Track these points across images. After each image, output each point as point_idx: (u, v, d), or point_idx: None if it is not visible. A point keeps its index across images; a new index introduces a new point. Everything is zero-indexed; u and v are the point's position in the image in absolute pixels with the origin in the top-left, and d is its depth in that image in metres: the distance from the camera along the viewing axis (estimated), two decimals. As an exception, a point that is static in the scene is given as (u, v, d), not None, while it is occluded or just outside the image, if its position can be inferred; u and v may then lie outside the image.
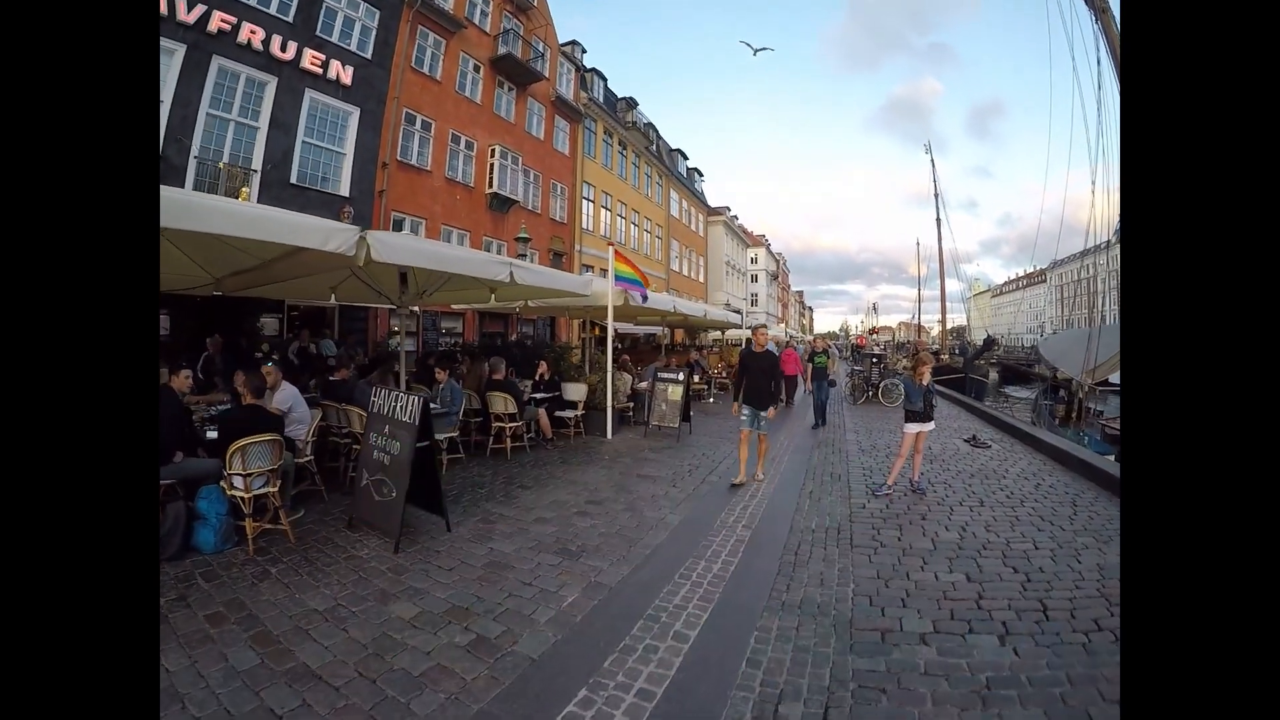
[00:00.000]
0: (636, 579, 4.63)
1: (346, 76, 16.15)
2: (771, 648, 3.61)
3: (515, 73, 22.77)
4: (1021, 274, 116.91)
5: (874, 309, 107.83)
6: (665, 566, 4.86)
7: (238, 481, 5.25)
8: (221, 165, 13.43)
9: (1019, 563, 4.90)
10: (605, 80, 31.12)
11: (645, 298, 11.89)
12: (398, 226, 17.73)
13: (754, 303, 64.54)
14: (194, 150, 13.03)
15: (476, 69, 21.38)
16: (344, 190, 16.33)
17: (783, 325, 68.60)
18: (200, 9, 12.97)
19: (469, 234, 20.62)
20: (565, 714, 2.99)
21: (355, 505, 5.90)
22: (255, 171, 14.23)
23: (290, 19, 14.92)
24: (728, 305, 41.95)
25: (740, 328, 20.20)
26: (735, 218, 58.83)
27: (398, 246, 6.13)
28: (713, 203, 52.73)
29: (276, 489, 5.51)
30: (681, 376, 11.47)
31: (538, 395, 10.64)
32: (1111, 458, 9.41)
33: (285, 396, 6.65)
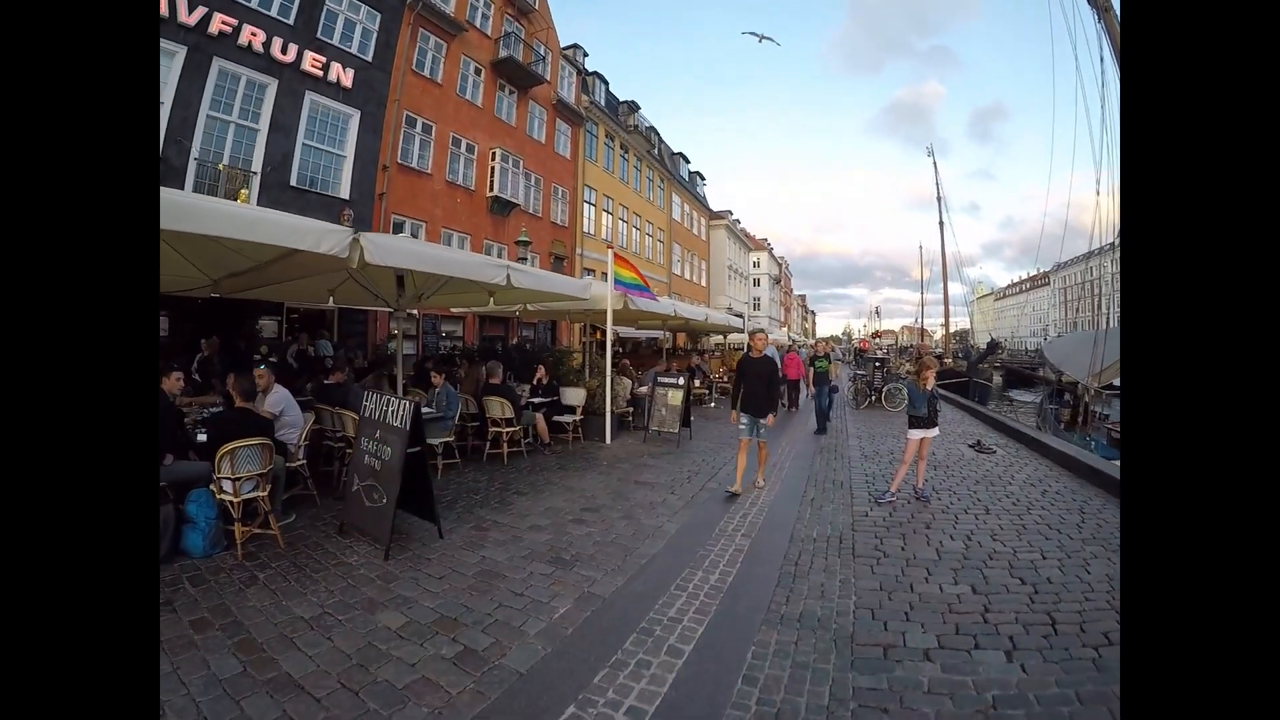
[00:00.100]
0: (631, 590, 4.50)
1: (347, 79, 16.09)
2: (769, 663, 3.47)
3: (516, 76, 22.71)
4: (1025, 277, 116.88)
5: (877, 312, 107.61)
6: (661, 577, 4.72)
7: (226, 485, 5.19)
8: (221, 167, 13.37)
9: (1026, 573, 4.75)
10: (607, 84, 31.08)
11: (653, 296, 11.79)
12: (398, 229, 17.64)
13: (756, 307, 64.47)
14: (194, 152, 12.98)
15: (478, 72, 21.32)
16: (344, 193, 16.26)
17: (785, 329, 68.51)
18: (201, 11, 12.94)
19: (470, 237, 20.53)
20: (552, 733, 2.87)
21: (346, 511, 5.82)
22: (255, 174, 14.17)
23: (291, 21, 14.87)
24: (730, 309, 41.80)
25: (742, 332, 20.08)
26: (738, 221, 58.77)
27: (392, 249, 6.05)
28: (715, 207, 52.68)
29: (266, 493, 5.43)
30: (681, 381, 11.32)
31: (535, 400, 10.52)
32: (1118, 462, 9.27)
33: (277, 399, 6.55)
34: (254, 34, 13.90)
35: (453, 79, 20.16)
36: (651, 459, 9.49)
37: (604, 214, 30.21)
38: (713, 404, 17.87)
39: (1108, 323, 23.10)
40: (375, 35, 17.13)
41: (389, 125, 17.50)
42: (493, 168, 21.46)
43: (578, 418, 10.88)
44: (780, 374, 17.44)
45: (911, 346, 51.78)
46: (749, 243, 64.43)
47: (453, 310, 16.93)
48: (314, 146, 15.69)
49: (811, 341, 33.25)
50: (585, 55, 29.00)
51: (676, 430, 10.95)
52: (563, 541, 5.54)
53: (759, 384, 7.26)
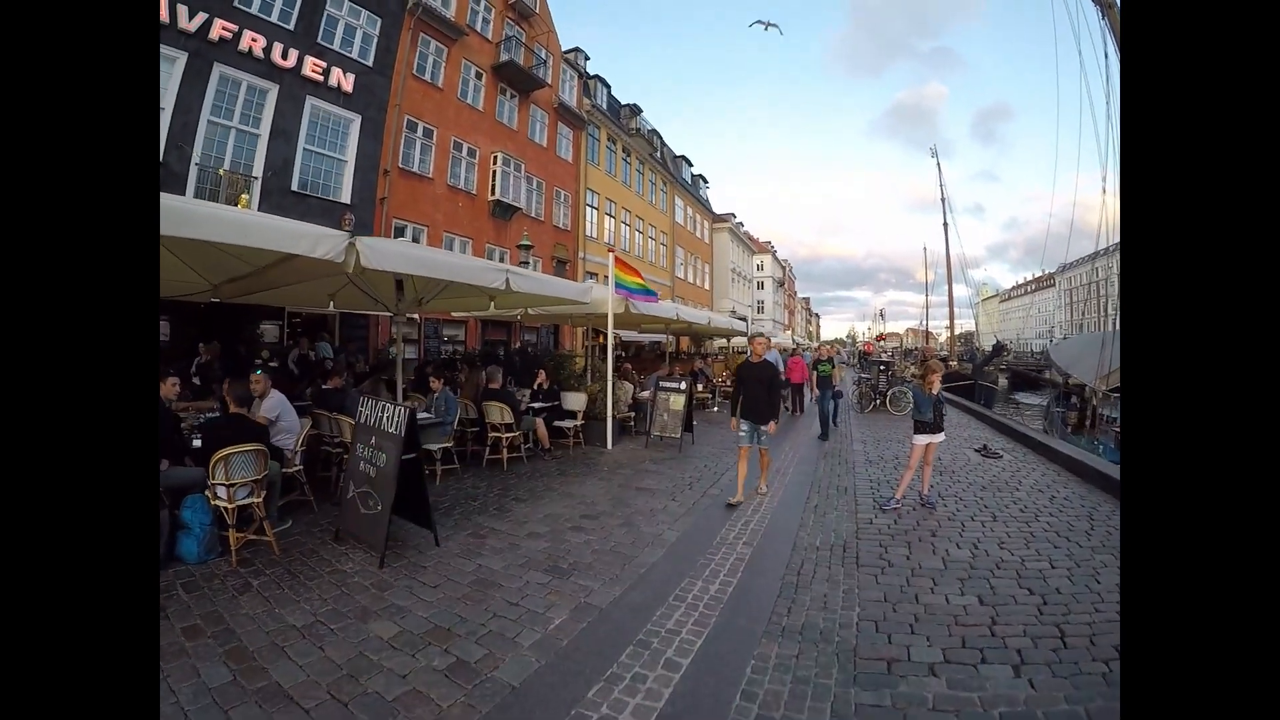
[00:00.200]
0: (628, 600, 4.40)
1: (348, 84, 16.08)
2: (769, 678, 3.36)
3: (517, 80, 22.69)
4: (1030, 278, 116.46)
5: (881, 315, 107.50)
6: (660, 587, 4.62)
7: (221, 492, 5.14)
8: (221, 172, 13.35)
9: (1035, 583, 4.63)
10: (609, 87, 31.06)
11: (654, 298, 11.70)
12: (399, 234, 17.62)
13: (760, 310, 64.39)
14: (195, 157, 12.98)
15: (478, 76, 21.30)
16: (345, 197, 16.24)
17: (789, 332, 68.34)
18: (201, 17, 12.95)
19: (471, 241, 20.50)
20: (543, 750, 2.78)
21: (342, 517, 5.75)
22: (256, 179, 14.15)
23: (291, 27, 14.88)
24: (733, 313, 41.74)
25: (745, 335, 19.98)
26: (741, 224, 58.71)
27: (388, 253, 6.00)
28: (718, 209, 52.64)
29: (261, 500, 5.38)
30: (684, 386, 11.19)
31: (536, 405, 10.43)
32: None
33: (272, 405, 6.47)
34: (254, 40, 13.90)
35: (454, 83, 20.14)
36: (653, 465, 9.38)
37: (606, 217, 30.16)
38: (715, 408, 17.76)
39: (1114, 324, 22.98)
40: (376, 40, 17.12)
41: (390, 130, 17.48)
42: (494, 172, 21.44)
43: (579, 423, 10.78)
44: (784, 378, 17.35)
45: (916, 349, 51.60)
46: (752, 245, 64.35)
47: (454, 315, 16.88)
48: (315, 151, 15.68)
49: (815, 345, 33.08)
50: (587, 59, 28.98)
51: (679, 435, 10.84)
52: (561, 550, 5.45)
53: (759, 389, 7.12)
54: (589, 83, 28.85)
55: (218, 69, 13.34)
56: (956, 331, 49.38)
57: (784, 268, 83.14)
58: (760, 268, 67.24)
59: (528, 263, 18.69)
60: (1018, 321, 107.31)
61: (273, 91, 14.48)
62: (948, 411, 7.37)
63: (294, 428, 6.62)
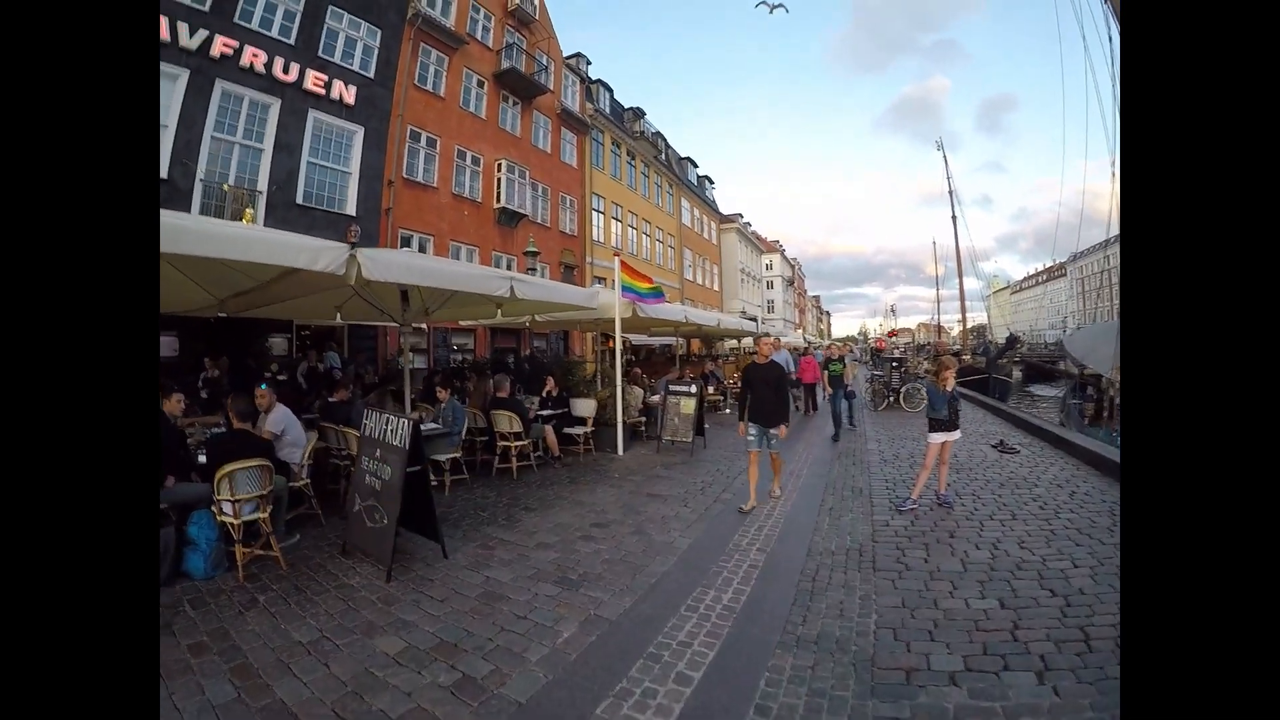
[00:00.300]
0: (639, 612, 4.29)
1: (350, 96, 16.10)
2: (784, 691, 3.25)
3: (519, 86, 22.67)
4: (1041, 269, 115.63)
5: (892, 311, 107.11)
6: (671, 597, 4.52)
7: (226, 507, 5.12)
8: (226, 187, 13.37)
9: (1057, 584, 4.49)
10: (611, 91, 31.02)
11: (662, 296, 11.61)
12: (405, 244, 17.63)
13: (771, 309, 64.12)
14: (199, 173, 12.99)
15: (480, 84, 21.30)
16: (350, 209, 16.25)
17: (800, 331, 68.06)
18: (202, 34, 12.99)
19: (478, 249, 20.46)
20: (550, 771, 2.69)
21: (349, 531, 5.70)
22: (261, 193, 14.16)
23: (292, 41, 14.91)
24: (743, 313, 41.58)
25: (762, 335, 19.87)
26: (748, 224, 58.53)
27: (390, 264, 5.97)
28: (725, 210, 52.50)
29: (267, 515, 5.33)
30: (694, 389, 11.09)
31: (544, 412, 10.34)
32: None
33: (278, 419, 6.43)
34: (255, 55, 13.93)
35: (455, 92, 20.14)
36: (664, 470, 9.28)
37: (613, 221, 30.10)
38: (727, 410, 17.63)
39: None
40: (376, 52, 17.14)
41: (393, 140, 17.49)
42: (499, 179, 21.41)
43: (589, 429, 10.68)
44: (794, 378, 17.19)
45: (929, 344, 51.32)
46: (761, 245, 64.12)
47: (462, 323, 16.82)
48: (319, 164, 15.68)
49: (826, 343, 32.95)
50: (588, 64, 28.97)
51: (690, 439, 10.74)
52: (570, 560, 5.36)
53: (767, 391, 6.96)
54: (591, 87, 28.82)
55: (220, 85, 13.37)
56: (969, 324, 49.12)
57: (793, 266, 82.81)
58: (769, 267, 66.96)
59: (535, 269, 18.65)
60: (1030, 313, 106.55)
61: (275, 106, 14.50)
62: (962, 407, 7.20)
63: (300, 441, 6.58)
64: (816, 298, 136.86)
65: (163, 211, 4.09)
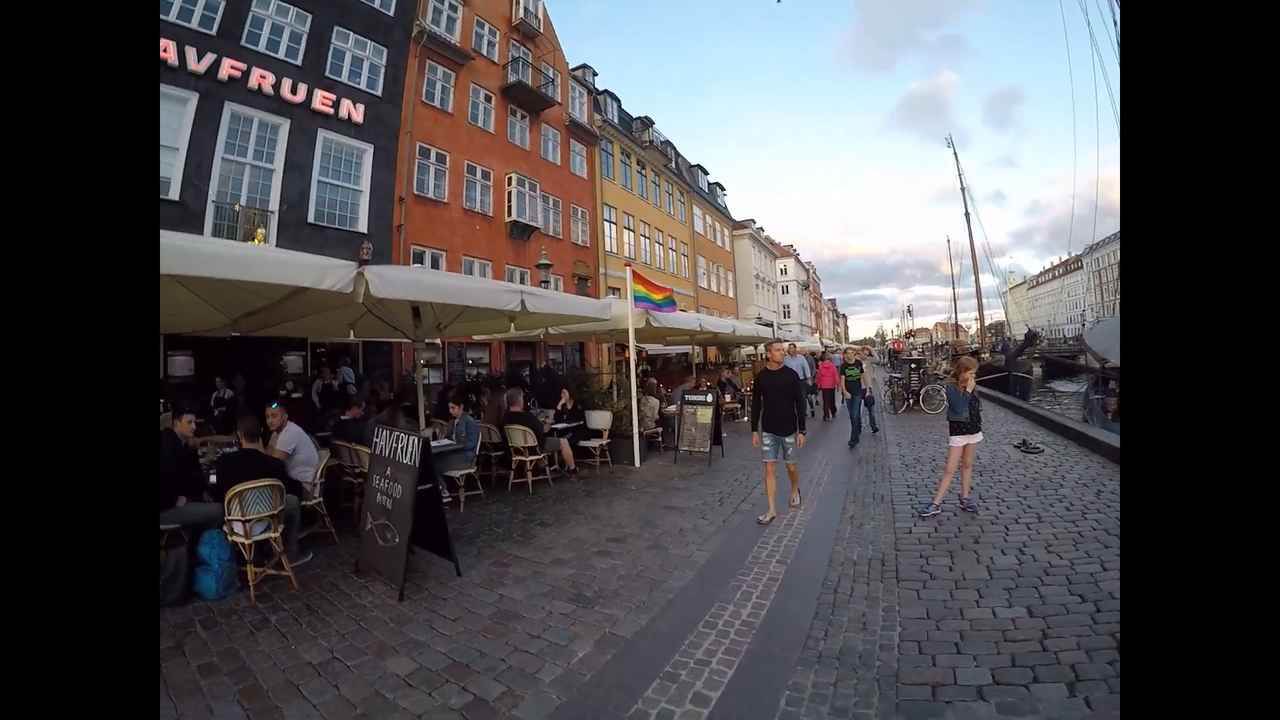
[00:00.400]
0: (655, 629, 4.18)
1: (358, 114, 16.18)
2: (805, 710, 3.13)
3: (527, 100, 22.72)
4: (1057, 262, 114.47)
5: (909, 311, 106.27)
6: (689, 613, 4.40)
7: (238, 527, 5.10)
8: (237, 208, 13.45)
9: (1086, 589, 4.34)
10: (619, 101, 31.06)
11: (673, 302, 11.52)
12: (418, 260, 17.67)
13: (786, 314, 63.89)
14: (211, 195, 13.09)
15: (488, 99, 21.37)
16: (362, 227, 16.30)
17: (817, 335, 67.73)
18: (210, 58, 13.13)
19: (491, 263, 20.48)
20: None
21: (361, 550, 5.66)
22: (273, 213, 14.25)
23: (299, 62, 15.03)
24: (759, 319, 41.41)
25: (774, 341, 19.73)
26: (761, 230, 58.38)
27: (398, 280, 5.95)
28: (737, 216, 52.40)
29: (279, 534, 5.31)
30: (710, 398, 10.97)
31: (559, 425, 10.26)
32: None
33: (289, 438, 6.40)
34: (263, 77, 14.05)
35: (463, 107, 20.21)
36: (682, 481, 9.16)
37: (625, 231, 30.07)
38: (745, 418, 17.49)
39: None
40: (383, 70, 17.24)
41: (403, 157, 17.54)
42: (509, 193, 21.43)
43: (604, 441, 10.58)
44: (811, 383, 17.00)
45: (947, 344, 50.88)
46: (774, 250, 63.93)
47: (476, 338, 16.81)
48: (329, 183, 15.76)
49: (843, 348, 32.65)
50: (595, 75, 29.03)
51: (708, 449, 10.59)
52: (585, 576, 5.26)
53: (780, 398, 6.77)
54: (599, 98, 28.88)
55: (229, 107, 13.48)
56: (987, 322, 48.65)
57: (808, 270, 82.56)
58: (784, 272, 66.76)
59: (548, 281, 18.61)
60: (1048, 308, 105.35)
61: (284, 126, 14.60)
62: (983, 407, 7.03)
63: (312, 460, 6.53)
64: (832, 301, 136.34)
65: (171, 234, 4.17)
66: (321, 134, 15.45)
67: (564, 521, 7.06)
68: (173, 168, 12.40)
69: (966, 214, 41.23)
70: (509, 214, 21.38)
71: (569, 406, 11.02)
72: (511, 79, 21.86)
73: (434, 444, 7.76)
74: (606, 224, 28.20)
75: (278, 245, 13.53)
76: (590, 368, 22.90)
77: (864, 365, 12.82)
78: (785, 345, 7.33)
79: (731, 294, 47.15)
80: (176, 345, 12.41)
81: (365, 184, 16.54)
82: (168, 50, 12.32)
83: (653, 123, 34.46)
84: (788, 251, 69.52)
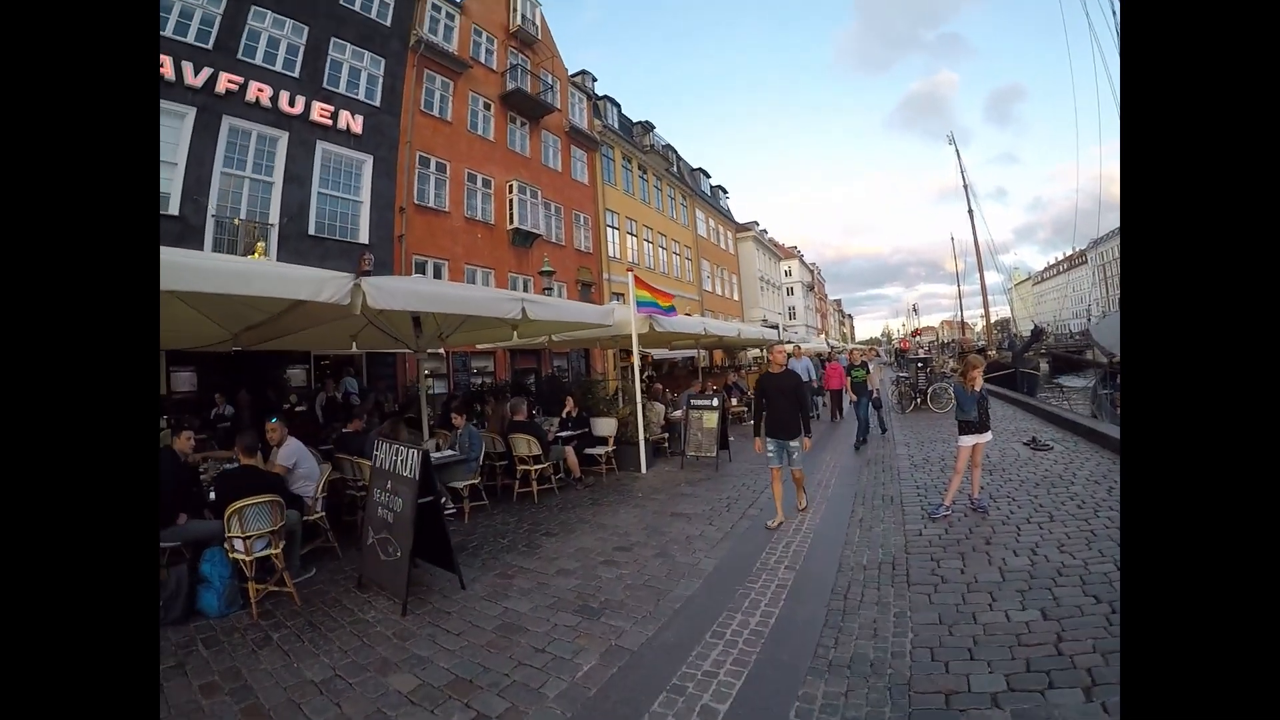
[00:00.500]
0: (662, 640, 4.10)
1: (357, 125, 16.17)
2: (815, 722, 3.05)
3: (526, 107, 22.70)
4: (1061, 257, 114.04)
5: (914, 310, 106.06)
6: (696, 623, 4.31)
7: (238, 544, 5.05)
8: (237, 222, 13.43)
9: (1101, 589, 4.23)
10: (619, 106, 31.04)
11: (673, 309, 11.44)
12: (420, 269, 17.64)
13: (792, 316, 63.80)
14: (211, 209, 13.08)
15: (487, 106, 21.36)
16: (363, 238, 16.27)
17: (823, 336, 67.57)
18: (207, 72, 13.13)
19: (493, 272, 20.43)
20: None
21: (364, 564, 5.60)
22: (273, 225, 14.22)
23: (296, 74, 15.03)
24: (764, 321, 41.29)
25: (779, 343, 19.61)
26: (765, 232, 58.31)
27: (395, 291, 5.92)
28: (740, 219, 52.34)
29: (280, 550, 5.25)
30: (716, 402, 10.86)
31: (564, 434, 10.18)
32: None
33: (289, 453, 6.34)
34: (260, 90, 14.04)
35: (462, 116, 20.20)
36: (689, 487, 9.07)
37: (628, 236, 30.01)
38: (752, 421, 17.40)
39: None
40: (381, 80, 17.24)
41: (403, 167, 17.52)
42: (511, 200, 21.39)
43: (610, 449, 10.50)
44: (817, 385, 16.87)
45: (953, 341, 50.68)
46: (778, 252, 63.85)
47: (480, 346, 16.76)
48: (329, 194, 15.73)
49: (849, 348, 32.46)
50: (594, 80, 29.03)
51: (714, 454, 10.50)
52: (591, 587, 5.17)
53: (783, 401, 6.62)
54: (598, 104, 28.87)
55: (227, 121, 13.47)
56: (992, 319, 48.44)
57: (812, 271, 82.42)
58: (788, 273, 66.69)
59: (551, 289, 18.57)
60: (1053, 303, 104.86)
61: (283, 139, 14.58)
62: (991, 405, 6.92)
63: (313, 474, 6.48)
64: (838, 301, 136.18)
65: (168, 249, 4.11)
66: (320, 145, 15.43)
67: (569, 531, 6.99)
68: (172, 182, 12.40)
69: (970, 211, 41.02)
70: (511, 221, 21.34)
71: (573, 414, 10.94)
72: (510, 86, 21.86)
73: (437, 455, 7.72)
74: (609, 230, 28.16)
75: (279, 258, 13.56)
76: (596, 374, 22.83)
77: (871, 366, 12.62)
78: (788, 347, 7.20)
79: (736, 297, 47.06)
80: (179, 361, 12.39)
81: (365, 195, 16.51)
82: (164, 65, 12.32)
83: (653, 127, 34.45)
84: (791, 253, 69.45)
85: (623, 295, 23.81)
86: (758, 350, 27.17)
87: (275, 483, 5.60)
